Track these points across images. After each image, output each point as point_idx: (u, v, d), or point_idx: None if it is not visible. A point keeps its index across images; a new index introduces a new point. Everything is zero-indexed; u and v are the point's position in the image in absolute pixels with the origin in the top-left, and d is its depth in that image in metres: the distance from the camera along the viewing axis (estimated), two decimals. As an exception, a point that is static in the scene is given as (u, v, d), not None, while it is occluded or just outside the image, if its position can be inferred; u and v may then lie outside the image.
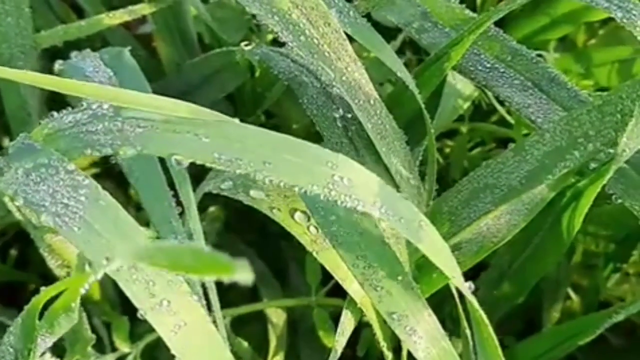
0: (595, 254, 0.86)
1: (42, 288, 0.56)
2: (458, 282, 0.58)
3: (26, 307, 0.56)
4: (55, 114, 0.58)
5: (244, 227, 0.91)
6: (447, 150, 0.91)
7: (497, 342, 0.61)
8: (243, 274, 0.38)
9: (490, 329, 0.60)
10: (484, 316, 0.60)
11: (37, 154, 0.55)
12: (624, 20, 0.63)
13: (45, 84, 0.57)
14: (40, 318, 0.58)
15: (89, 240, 0.52)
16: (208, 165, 0.54)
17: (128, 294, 0.51)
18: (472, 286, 0.60)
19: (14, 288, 0.94)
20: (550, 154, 0.64)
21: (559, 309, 0.84)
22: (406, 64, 0.76)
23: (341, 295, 0.77)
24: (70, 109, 0.58)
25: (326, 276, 0.80)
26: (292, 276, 0.91)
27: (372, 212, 0.55)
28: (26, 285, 0.95)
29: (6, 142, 0.92)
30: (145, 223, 0.60)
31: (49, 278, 0.92)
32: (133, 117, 0.55)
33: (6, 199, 0.63)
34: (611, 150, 0.63)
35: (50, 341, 0.56)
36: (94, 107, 0.56)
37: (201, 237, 0.60)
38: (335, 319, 0.79)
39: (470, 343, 0.64)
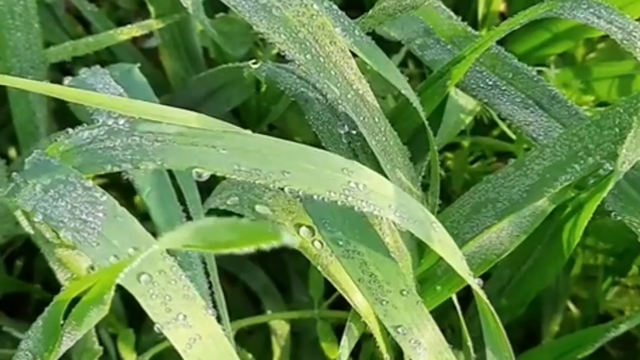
0: (595, 266, 0.87)
1: (66, 284, 0.56)
2: (470, 280, 0.59)
3: (48, 308, 0.57)
4: (70, 130, 0.59)
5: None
6: (449, 162, 0.92)
7: (505, 335, 0.61)
8: (287, 238, 0.40)
9: (499, 321, 0.61)
10: (492, 309, 0.61)
11: (55, 171, 0.56)
12: (625, 42, 0.64)
13: (62, 95, 0.58)
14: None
15: (108, 256, 0.53)
16: (228, 176, 0.55)
17: (146, 309, 0.52)
18: (481, 282, 0.62)
19: (16, 299, 0.94)
20: (550, 168, 0.65)
21: (558, 321, 0.85)
22: (409, 77, 0.77)
23: (342, 308, 0.78)
24: (85, 125, 0.59)
25: (328, 289, 0.81)
26: (295, 288, 0.92)
27: (387, 215, 0.56)
28: (30, 296, 0.95)
29: (12, 151, 0.93)
30: (152, 232, 0.61)
31: (52, 289, 0.93)
32: (150, 131, 0.56)
33: (18, 213, 0.64)
34: (610, 167, 0.64)
35: (74, 339, 0.56)
36: (109, 123, 0.57)
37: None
38: (337, 330, 0.80)
39: (473, 356, 0.65)
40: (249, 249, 0.41)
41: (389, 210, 0.56)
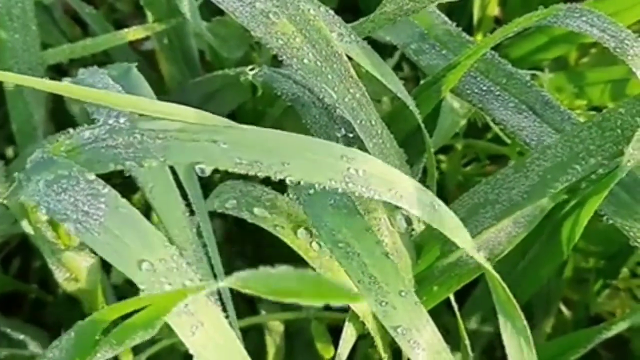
0: (586, 269, 0.88)
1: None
2: (476, 256, 0.60)
3: (81, 322, 0.56)
4: (71, 130, 0.59)
5: (238, 239, 0.92)
6: (442, 165, 0.92)
7: (517, 305, 0.62)
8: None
9: (509, 294, 0.61)
10: (503, 283, 0.61)
11: (58, 167, 0.57)
12: (617, 50, 0.65)
13: (66, 93, 0.58)
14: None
15: (110, 245, 0.53)
16: (230, 170, 0.55)
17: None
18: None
19: (12, 299, 0.95)
20: (551, 169, 0.66)
21: (550, 323, 0.86)
22: (404, 80, 0.78)
23: (336, 308, 0.79)
24: (86, 124, 0.60)
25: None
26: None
27: (388, 199, 0.57)
28: (26, 296, 0.96)
29: (9, 151, 0.93)
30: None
31: (48, 289, 0.94)
32: (151, 128, 0.57)
33: (18, 212, 0.64)
34: (608, 170, 0.64)
35: (108, 356, 0.56)
36: (110, 121, 0.58)
37: (214, 245, 0.61)
38: (331, 330, 0.81)
39: (470, 355, 0.66)
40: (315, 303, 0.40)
41: (389, 193, 0.57)
